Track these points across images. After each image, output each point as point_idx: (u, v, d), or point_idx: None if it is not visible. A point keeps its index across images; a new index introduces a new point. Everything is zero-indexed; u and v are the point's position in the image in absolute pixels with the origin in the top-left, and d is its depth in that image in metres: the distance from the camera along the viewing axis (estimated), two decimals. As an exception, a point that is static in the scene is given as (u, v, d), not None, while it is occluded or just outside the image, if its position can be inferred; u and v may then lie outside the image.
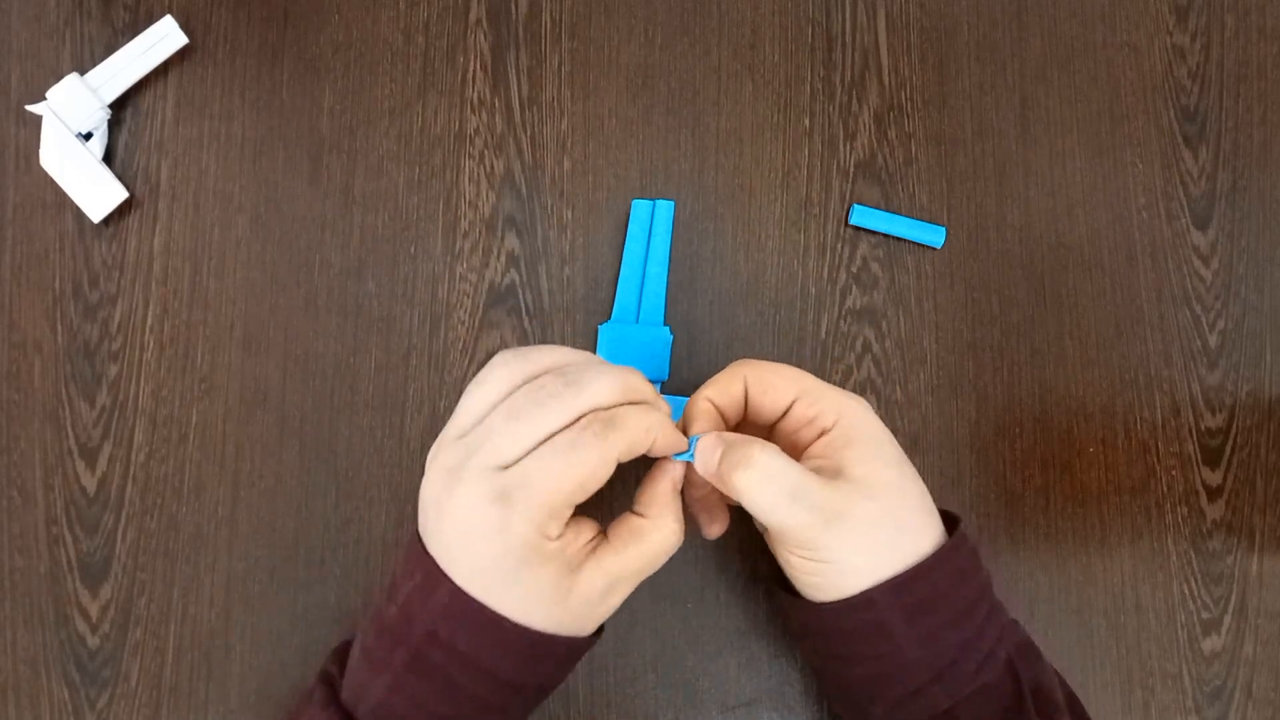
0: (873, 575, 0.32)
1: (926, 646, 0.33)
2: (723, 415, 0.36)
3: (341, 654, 0.36)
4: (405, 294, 0.44)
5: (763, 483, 0.32)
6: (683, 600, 0.44)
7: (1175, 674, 0.46)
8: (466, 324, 0.44)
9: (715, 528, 0.38)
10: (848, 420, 0.34)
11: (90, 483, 0.43)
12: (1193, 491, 0.47)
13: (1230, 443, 0.47)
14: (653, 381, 0.43)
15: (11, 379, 0.43)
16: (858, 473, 0.33)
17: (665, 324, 0.44)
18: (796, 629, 0.37)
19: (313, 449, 0.43)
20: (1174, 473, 0.47)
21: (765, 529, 0.35)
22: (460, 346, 0.44)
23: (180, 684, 0.42)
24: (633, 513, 0.35)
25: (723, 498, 0.38)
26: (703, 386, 0.36)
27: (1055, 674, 0.36)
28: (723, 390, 0.35)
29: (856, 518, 0.32)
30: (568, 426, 0.31)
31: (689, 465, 0.35)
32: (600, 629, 0.35)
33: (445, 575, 0.31)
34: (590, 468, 0.31)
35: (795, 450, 0.35)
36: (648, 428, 0.32)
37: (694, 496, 0.37)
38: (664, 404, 0.34)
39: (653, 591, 0.43)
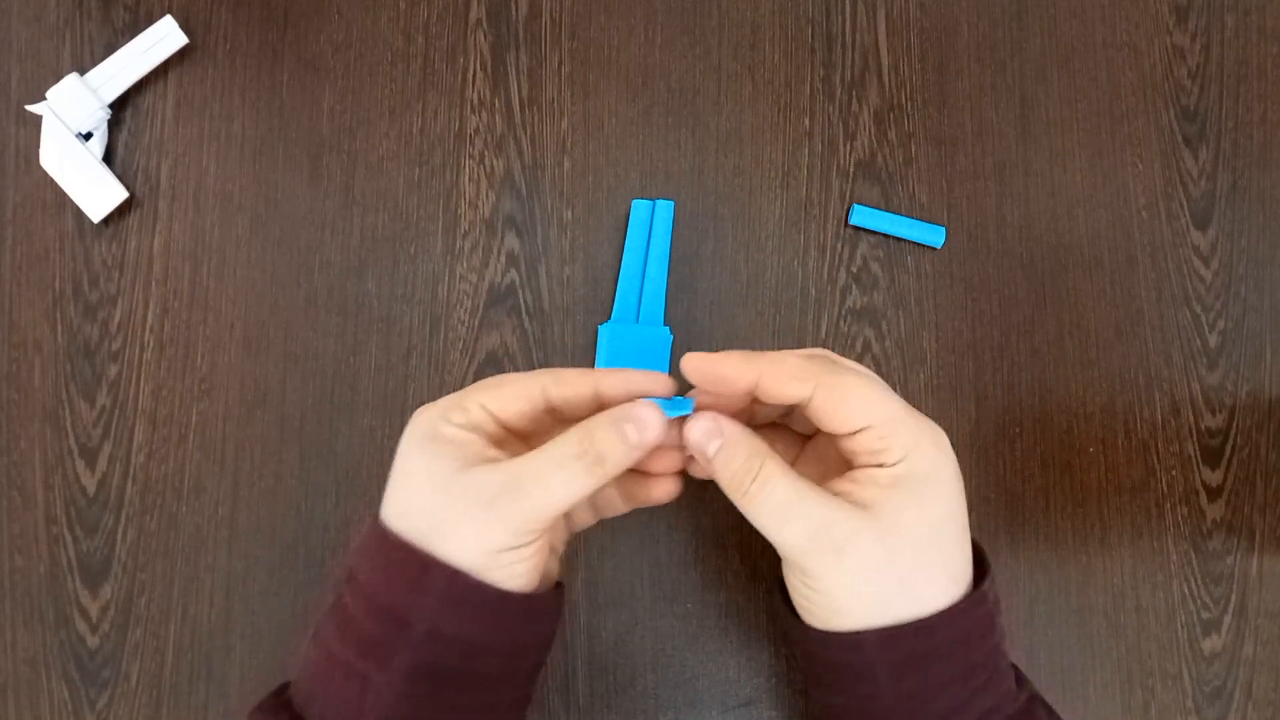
0: (865, 620, 0.30)
1: (908, 702, 0.30)
2: (777, 409, 0.35)
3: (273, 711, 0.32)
4: (405, 294, 0.44)
5: (766, 503, 0.30)
6: (683, 600, 0.44)
7: (1175, 674, 0.46)
8: (466, 324, 0.44)
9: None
10: (913, 463, 0.30)
11: (90, 483, 0.43)
12: (1193, 491, 0.47)
13: (1230, 443, 0.47)
14: None
15: (11, 379, 0.43)
16: (887, 512, 0.30)
17: (665, 324, 0.44)
18: (785, 640, 0.37)
19: (313, 449, 0.43)
20: (1174, 473, 0.47)
21: None
22: (460, 346, 0.44)
23: (180, 684, 0.42)
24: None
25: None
26: (779, 363, 0.31)
27: None
28: (787, 388, 0.31)
29: (860, 554, 0.29)
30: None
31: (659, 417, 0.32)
32: (544, 600, 0.32)
33: (374, 510, 0.31)
34: (506, 379, 0.32)
35: (842, 463, 0.33)
36: (587, 372, 0.32)
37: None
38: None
39: (653, 591, 0.43)
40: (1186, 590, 0.46)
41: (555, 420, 0.33)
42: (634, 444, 0.30)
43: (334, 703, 0.30)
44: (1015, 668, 0.34)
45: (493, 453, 0.31)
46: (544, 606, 0.32)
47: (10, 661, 0.42)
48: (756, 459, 0.31)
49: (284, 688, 0.33)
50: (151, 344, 0.43)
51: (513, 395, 0.31)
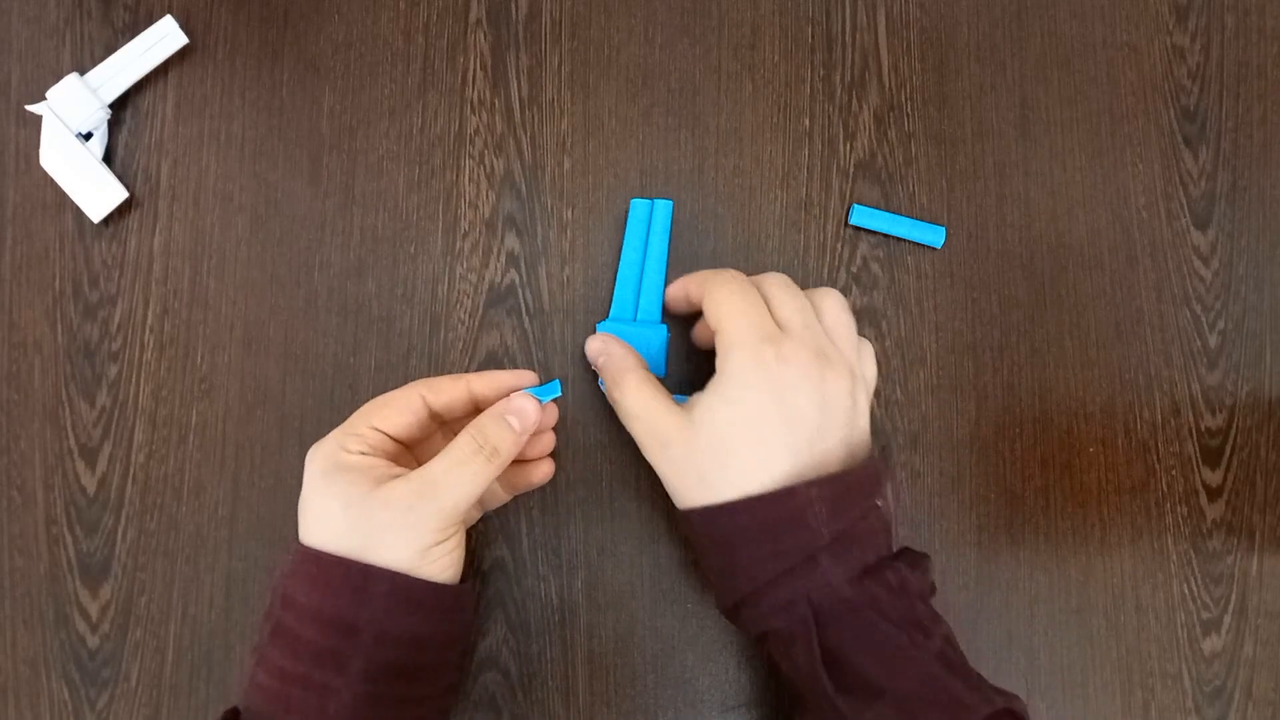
0: (694, 501, 0.36)
1: (724, 575, 0.36)
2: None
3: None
4: (405, 294, 0.44)
5: (620, 405, 0.37)
6: (683, 600, 0.44)
7: (1175, 674, 0.46)
8: (466, 324, 0.44)
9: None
10: (722, 372, 0.36)
11: (90, 483, 0.43)
12: (1193, 491, 0.47)
13: (1230, 443, 0.47)
14: None
15: (11, 379, 0.43)
16: (696, 415, 0.36)
17: (662, 321, 0.44)
18: None
19: (313, 449, 0.43)
20: (1174, 473, 0.47)
21: None
22: (460, 346, 0.44)
23: (180, 684, 0.42)
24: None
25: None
26: (696, 279, 0.40)
27: (901, 656, 0.34)
28: (673, 291, 0.41)
29: (675, 451, 0.36)
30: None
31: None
32: (468, 591, 0.37)
33: (296, 539, 0.35)
34: (388, 396, 0.36)
35: None
36: (458, 377, 0.37)
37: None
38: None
39: (652, 591, 0.43)
40: (1186, 590, 0.46)
41: (438, 425, 0.39)
42: (520, 430, 0.36)
43: (296, 715, 0.33)
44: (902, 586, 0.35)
45: (396, 469, 0.35)
46: (468, 594, 0.37)
47: (10, 661, 0.42)
48: (623, 371, 0.38)
49: (234, 714, 0.34)
50: (151, 344, 0.43)
51: (396, 412, 0.36)
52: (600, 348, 0.40)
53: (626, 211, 0.45)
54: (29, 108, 0.42)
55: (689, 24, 0.46)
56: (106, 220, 0.43)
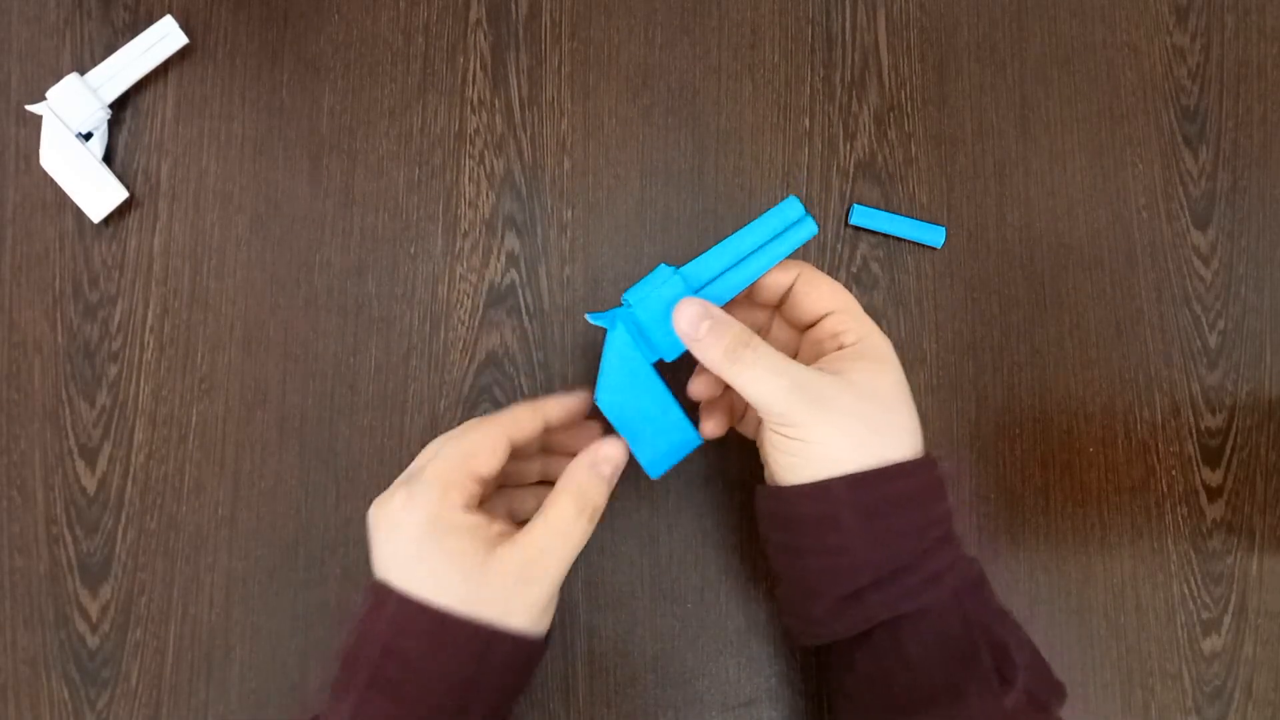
0: (841, 466, 0.34)
1: (874, 549, 0.34)
2: (763, 299, 0.39)
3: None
4: (405, 294, 0.44)
5: (755, 365, 0.34)
6: (683, 600, 0.44)
7: (1175, 674, 0.46)
8: (466, 324, 0.44)
9: (711, 426, 0.40)
10: (868, 343, 0.36)
11: (90, 483, 0.43)
12: (1193, 491, 0.47)
13: (1230, 443, 0.47)
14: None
15: (11, 379, 0.43)
16: (855, 377, 0.35)
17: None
18: (765, 521, 0.38)
19: (313, 449, 0.43)
20: (1174, 473, 0.47)
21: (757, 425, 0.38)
22: (460, 346, 0.44)
23: (180, 684, 0.42)
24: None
25: (727, 402, 0.40)
26: (794, 264, 0.38)
27: (1020, 633, 0.36)
28: (774, 274, 0.38)
29: (838, 406, 0.34)
30: None
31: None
32: (549, 638, 0.36)
33: (391, 589, 0.33)
34: (475, 440, 0.35)
35: (811, 355, 0.38)
36: (534, 407, 0.37)
37: (701, 395, 0.39)
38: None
39: (653, 591, 0.43)
40: (1186, 590, 0.46)
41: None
42: (609, 477, 0.36)
43: None
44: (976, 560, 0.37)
45: (500, 526, 0.35)
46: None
47: (10, 661, 0.42)
48: (746, 333, 0.35)
49: None
50: (151, 344, 0.43)
51: (489, 458, 0.35)
52: (700, 312, 0.35)
53: (627, 211, 0.45)
54: (29, 108, 0.42)
55: (689, 24, 0.46)
56: (106, 220, 0.43)
